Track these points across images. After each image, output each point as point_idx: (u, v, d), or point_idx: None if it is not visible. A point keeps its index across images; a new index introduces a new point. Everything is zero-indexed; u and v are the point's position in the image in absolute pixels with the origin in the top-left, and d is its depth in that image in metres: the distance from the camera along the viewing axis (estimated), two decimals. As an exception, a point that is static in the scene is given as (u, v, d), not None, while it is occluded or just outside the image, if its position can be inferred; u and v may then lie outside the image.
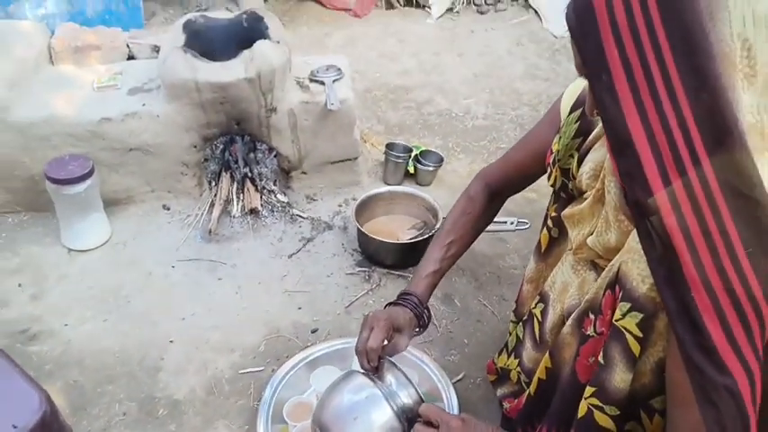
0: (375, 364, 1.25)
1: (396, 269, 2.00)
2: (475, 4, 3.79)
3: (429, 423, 1.15)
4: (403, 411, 1.19)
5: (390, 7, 3.79)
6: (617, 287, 1.02)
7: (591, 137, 1.20)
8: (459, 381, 1.67)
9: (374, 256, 2.03)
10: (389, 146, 2.35)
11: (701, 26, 0.77)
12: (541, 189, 2.34)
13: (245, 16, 2.20)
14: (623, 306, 0.99)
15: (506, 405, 1.51)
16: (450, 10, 3.73)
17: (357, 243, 2.09)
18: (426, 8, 3.74)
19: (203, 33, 2.14)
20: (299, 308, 1.89)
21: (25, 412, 1.42)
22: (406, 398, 1.20)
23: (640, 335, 0.97)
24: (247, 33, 2.15)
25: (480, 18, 3.73)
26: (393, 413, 1.18)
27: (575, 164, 1.22)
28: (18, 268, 1.99)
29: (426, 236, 2.00)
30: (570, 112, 1.25)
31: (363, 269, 2.02)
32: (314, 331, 1.81)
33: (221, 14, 2.28)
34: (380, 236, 1.99)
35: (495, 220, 1.85)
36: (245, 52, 2.00)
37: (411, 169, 2.36)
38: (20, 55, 2.09)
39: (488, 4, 3.79)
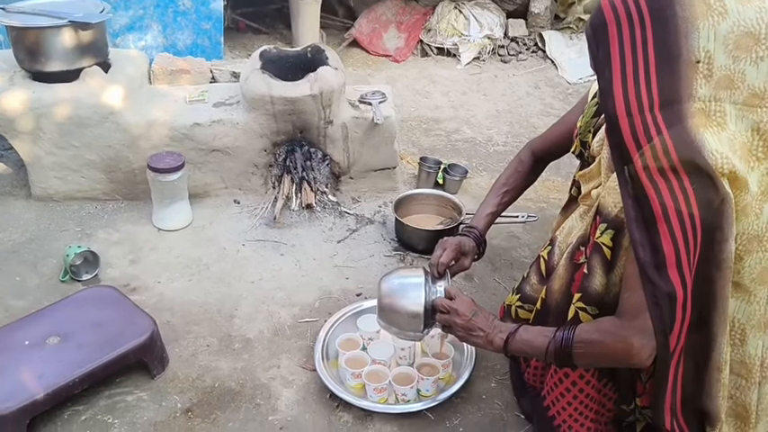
0: (442, 274, 1.70)
1: (426, 254, 2.41)
2: (499, 55, 4.31)
3: (449, 296, 1.59)
4: (432, 298, 1.63)
5: (425, 55, 4.33)
6: (597, 217, 1.44)
7: (602, 117, 1.63)
8: (476, 334, 2.05)
9: (408, 242, 2.45)
10: (423, 159, 2.81)
11: (678, 42, 1.22)
12: (551, 201, 2.78)
13: (309, 49, 2.71)
14: (602, 227, 1.41)
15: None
16: (477, 59, 4.25)
17: (394, 233, 2.52)
18: (456, 56, 4.26)
19: (276, 61, 2.64)
20: (347, 278, 2.30)
21: (140, 330, 1.87)
22: (439, 293, 1.62)
23: (611, 245, 1.39)
24: (311, 62, 2.64)
25: (504, 66, 4.25)
26: (424, 294, 1.62)
27: (590, 136, 1.65)
28: (118, 241, 2.44)
29: (452, 226, 2.42)
30: (593, 98, 1.70)
31: (399, 253, 2.44)
32: (358, 295, 2.22)
33: (290, 48, 2.80)
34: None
35: (510, 213, 2.29)
36: (311, 74, 2.49)
37: (440, 180, 2.80)
38: (130, 74, 2.61)
39: (511, 55, 4.30)
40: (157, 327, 1.89)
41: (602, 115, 1.63)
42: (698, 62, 1.23)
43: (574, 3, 4.63)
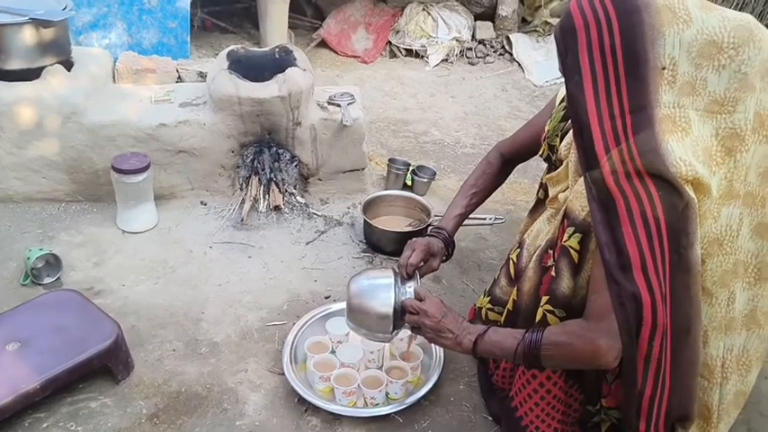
0: (411, 275, 1.70)
1: (394, 256, 2.41)
2: (467, 57, 4.34)
3: (418, 298, 1.59)
4: (401, 299, 1.63)
5: (393, 56, 4.34)
6: (565, 221, 1.46)
7: (570, 121, 1.66)
8: (444, 336, 2.06)
9: (376, 244, 2.46)
10: (391, 160, 2.82)
11: (645, 48, 1.25)
12: (518, 203, 2.81)
13: (277, 49, 2.70)
14: (569, 230, 1.43)
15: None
16: (444, 60, 4.28)
17: (363, 235, 2.51)
18: (424, 58, 4.28)
19: (243, 61, 2.61)
20: (315, 280, 2.29)
21: (104, 335, 1.83)
22: (408, 294, 1.63)
23: (579, 248, 1.41)
24: (279, 63, 2.62)
25: (471, 68, 4.28)
26: (393, 296, 1.63)
27: (558, 140, 1.67)
28: (81, 243, 2.39)
29: (420, 228, 2.43)
30: (560, 102, 1.72)
31: (367, 254, 2.44)
32: (327, 297, 2.21)
33: (258, 49, 2.78)
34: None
35: (477, 216, 2.31)
36: (279, 75, 2.47)
37: (409, 181, 2.81)
38: (93, 72, 2.56)
39: (478, 57, 4.34)
40: (122, 331, 1.86)
41: (570, 119, 1.66)
42: (663, 69, 1.26)
43: (540, 6, 4.69)
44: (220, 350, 1.98)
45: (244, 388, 1.85)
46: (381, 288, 1.65)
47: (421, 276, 1.76)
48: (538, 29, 4.59)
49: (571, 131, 1.63)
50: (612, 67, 1.27)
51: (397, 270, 1.72)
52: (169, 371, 1.89)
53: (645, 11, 1.25)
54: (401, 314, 1.62)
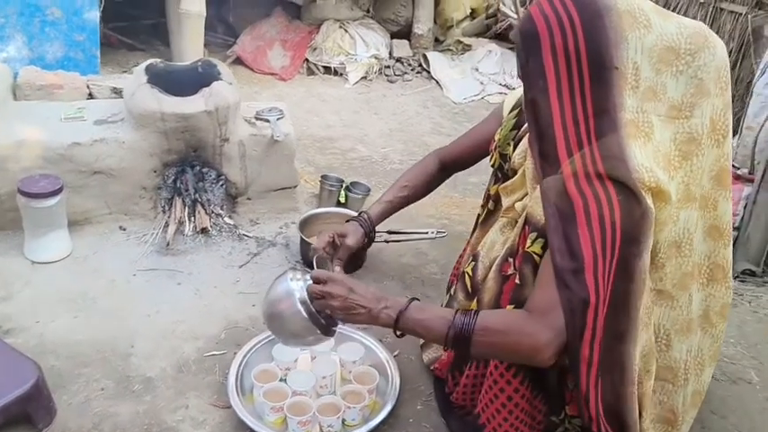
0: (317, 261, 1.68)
1: (335, 275, 2.32)
2: (385, 75, 4.34)
3: (318, 281, 1.50)
4: (304, 292, 1.53)
5: (312, 73, 4.27)
6: (526, 227, 1.43)
7: (522, 129, 1.64)
8: (396, 356, 1.98)
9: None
10: (324, 177, 2.73)
11: (609, 52, 1.24)
12: (452, 217, 2.79)
13: (200, 63, 2.56)
14: (532, 236, 1.39)
15: (436, 365, 1.85)
16: (364, 78, 4.26)
17: (299, 255, 2.40)
18: (343, 76, 4.24)
19: (163, 76, 2.45)
20: (253, 305, 2.15)
21: (22, 378, 1.63)
22: (309, 282, 1.54)
23: (542, 253, 1.38)
24: (202, 77, 2.48)
25: (391, 86, 4.28)
26: (294, 291, 1.53)
27: (510, 149, 1.64)
28: (-16, 277, 2.14)
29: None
30: (511, 111, 1.69)
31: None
32: (268, 322, 2.08)
33: (179, 63, 2.62)
34: (321, 246, 2.32)
35: (419, 230, 2.28)
36: (205, 89, 2.34)
37: (342, 198, 2.73)
38: (-9, 88, 2.32)
39: (397, 75, 4.35)
40: (42, 372, 1.65)
41: (523, 127, 1.65)
42: (616, 68, 1.26)
43: (452, 26, 4.78)
44: (156, 386, 1.81)
45: (186, 426, 1.69)
46: (281, 291, 1.56)
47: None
48: (451, 48, 4.67)
49: (525, 138, 1.62)
50: (577, 71, 1.26)
51: (297, 268, 1.66)
52: (99, 413, 1.70)
53: (607, 15, 1.25)
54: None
